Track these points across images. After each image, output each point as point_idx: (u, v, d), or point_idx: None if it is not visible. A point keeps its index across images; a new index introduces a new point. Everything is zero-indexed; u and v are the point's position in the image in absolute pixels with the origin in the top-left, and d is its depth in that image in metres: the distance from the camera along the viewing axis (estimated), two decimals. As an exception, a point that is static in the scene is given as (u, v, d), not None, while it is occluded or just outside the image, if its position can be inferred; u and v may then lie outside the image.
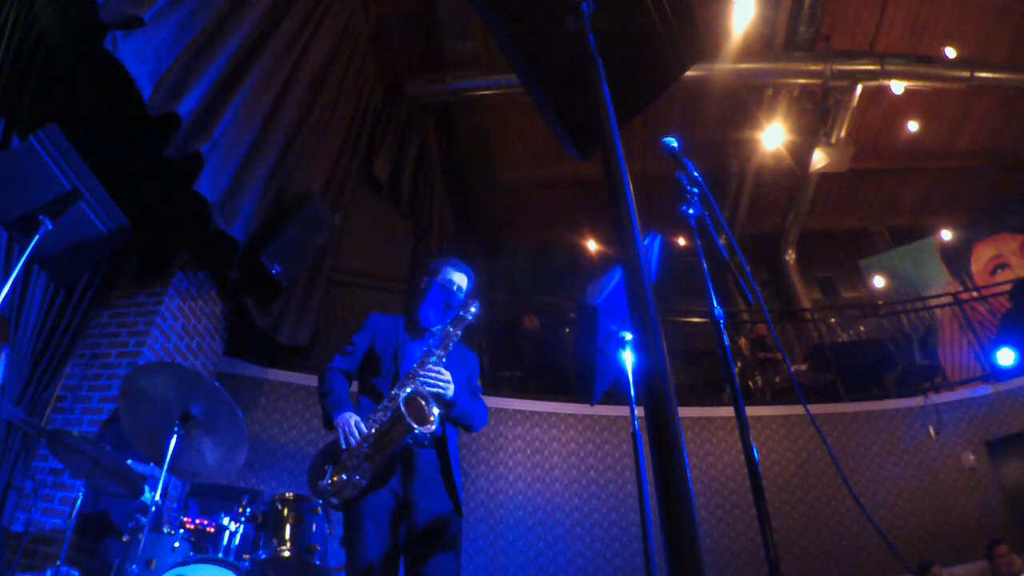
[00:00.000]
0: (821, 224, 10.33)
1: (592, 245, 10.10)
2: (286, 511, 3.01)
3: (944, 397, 6.21)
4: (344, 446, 2.21)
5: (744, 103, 8.28)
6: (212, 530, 3.11)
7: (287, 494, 3.09)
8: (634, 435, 2.44)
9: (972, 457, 5.79)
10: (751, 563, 5.44)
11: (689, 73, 1.32)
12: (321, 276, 5.80)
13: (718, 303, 1.62)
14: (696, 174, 1.72)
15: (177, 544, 2.75)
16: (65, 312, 4.06)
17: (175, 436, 2.49)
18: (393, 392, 2.26)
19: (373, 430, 2.19)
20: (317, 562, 2.95)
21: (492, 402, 5.78)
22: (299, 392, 5.51)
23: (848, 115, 7.81)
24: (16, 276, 2.25)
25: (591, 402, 2.65)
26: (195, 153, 3.77)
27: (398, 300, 6.87)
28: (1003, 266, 8.31)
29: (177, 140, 3.71)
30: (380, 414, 2.23)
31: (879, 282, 9.28)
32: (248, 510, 3.02)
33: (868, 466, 5.94)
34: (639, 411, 2.48)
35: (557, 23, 1.01)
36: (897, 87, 7.54)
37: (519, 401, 6.18)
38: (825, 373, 6.99)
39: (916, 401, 6.23)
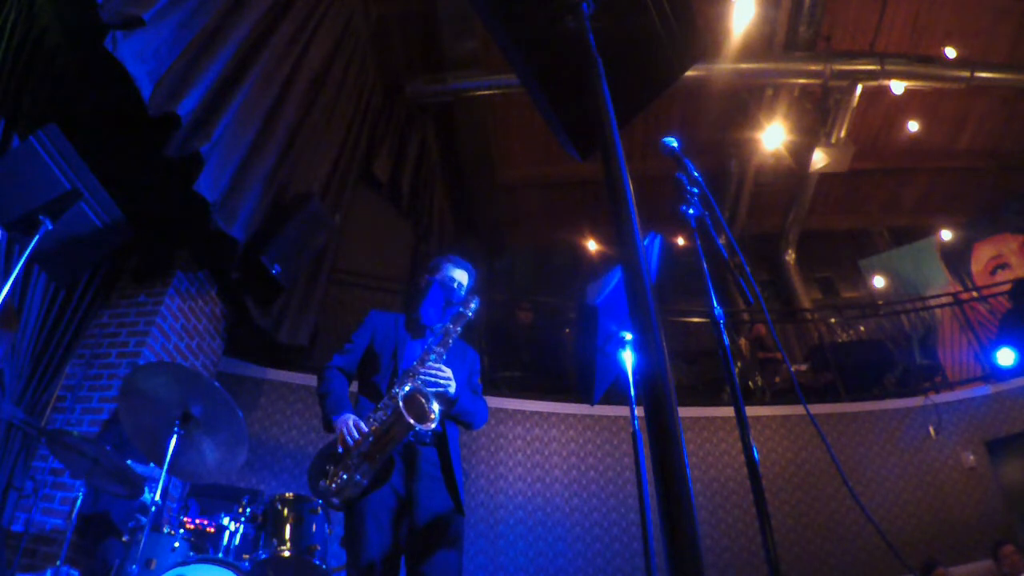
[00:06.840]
0: (821, 224, 10.32)
1: (592, 245, 10.09)
2: (286, 511, 3.02)
3: (944, 397, 6.21)
4: (342, 448, 2.20)
5: (744, 103, 8.28)
6: (212, 530, 3.12)
7: (287, 494, 3.10)
8: (634, 435, 2.45)
9: (972, 457, 5.79)
10: (751, 563, 5.44)
11: (689, 73, 1.32)
12: (321, 276, 5.80)
13: (718, 303, 1.62)
14: (696, 174, 1.72)
15: (177, 544, 2.75)
16: (65, 312, 4.06)
17: (175, 436, 2.49)
18: (393, 391, 2.23)
19: (373, 429, 2.18)
20: (317, 562, 2.95)
21: (492, 402, 5.75)
22: (299, 392, 5.51)
23: (848, 115, 7.82)
24: (16, 276, 2.25)
25: (591, 402, 2.65)
26: (195, 153, 3.77)
27: (398, 300, 6.86)
28: (1003, 266, 8.29)
29: (177, 140, 3.71)
30: (380, 413, 2.21)
31: (879, 282, 9.26)
32: (248, 510, 3.02)
33: (868, 466, 5.94)
34: (639, 411, 2.48)
35: (557, 23, 1.01)
36: (897, 87, 7.54)
37: (519, 401, 6.18)
38: (825, 373, 6.98)
39: (916, 401, 6.23)
